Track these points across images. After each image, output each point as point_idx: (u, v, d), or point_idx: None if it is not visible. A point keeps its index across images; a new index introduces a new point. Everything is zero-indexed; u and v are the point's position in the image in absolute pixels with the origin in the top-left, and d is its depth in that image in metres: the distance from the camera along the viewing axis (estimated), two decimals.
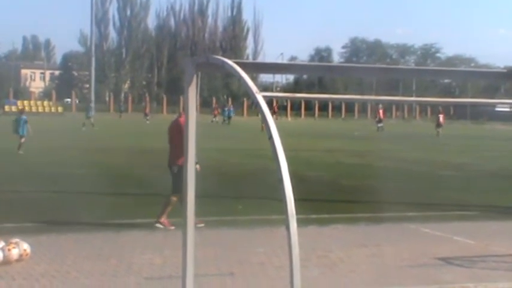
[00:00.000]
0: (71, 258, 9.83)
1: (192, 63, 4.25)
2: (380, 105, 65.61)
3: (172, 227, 12.23)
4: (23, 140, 27.14)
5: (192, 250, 4.46)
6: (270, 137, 3.50)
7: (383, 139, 46.95)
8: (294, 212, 3.36)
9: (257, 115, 78.80)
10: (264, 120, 3.53)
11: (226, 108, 72.46)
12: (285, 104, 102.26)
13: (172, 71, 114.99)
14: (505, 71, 4.60)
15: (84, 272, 9.10)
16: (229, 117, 69.43)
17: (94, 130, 48.27)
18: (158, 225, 12.38)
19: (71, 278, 8.84)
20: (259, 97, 3.56)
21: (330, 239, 11.93)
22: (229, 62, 3.83)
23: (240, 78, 3.72)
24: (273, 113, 60.16)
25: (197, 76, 4.45)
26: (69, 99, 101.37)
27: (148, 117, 67.78)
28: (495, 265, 10.29)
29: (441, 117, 55.08)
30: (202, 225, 12.13)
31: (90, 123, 52.01)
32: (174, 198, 12.40)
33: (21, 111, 30.02)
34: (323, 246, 11.08)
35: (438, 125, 54.62)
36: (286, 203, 3.33)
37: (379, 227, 13.22)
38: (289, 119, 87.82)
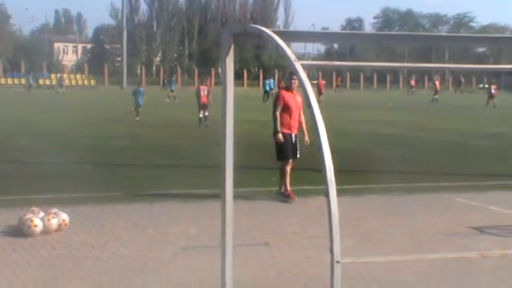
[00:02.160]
0: (108, 228, 9.97)
1: (229, 33, 4.26)
2: (435, 77, 65.95)
3: (295, 198, 12.43)
4: (140, 109, 32.41)
5: (231, 220, 4.51)
6: (309, 106, 3.52)
7: (417, 110, 46.65)
8: (334, 179, 3.38)
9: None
10: (303, 88, 3.54)
11: (267, 81, 61.80)
12: (316, 75, 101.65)
13: (203, 43, 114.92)
14: None
15: (122, 242, 9.23)
16: (270, 90, 58.19)
17: (176, 103, 49.40)
18: (280, 196, 12.58)
19: (109, 247, 8.97)
20: (298, 65, 3.57)
21: (364, 209, 11.94)
22: (267, 30, 3.84)
23: (278, 47, 3.73)
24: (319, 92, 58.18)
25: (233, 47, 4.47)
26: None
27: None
28: None
29: (493, 88, 54.84)
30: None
31: (173, 96, 53.66)
32: (284, 167, 12.63)
33: (139, 84, 36.14)
34: (357, 216, 11.11)
35: (491, 96, 54.45)
36: (325, 171, 3.35)
37: (413, 196, 13.21)
38: (323, 90, 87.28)
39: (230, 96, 4.41)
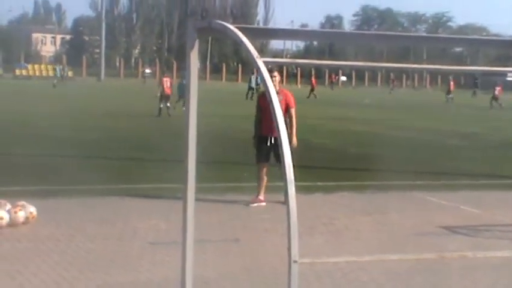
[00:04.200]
0: (76, 222, 9.86)
1: (193, 27, 4.21)
2: (450, 77, 65.78)
3: (263, 203, 11.73)
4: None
5: (192, 214, 4.45)
6: (270, 102, 3.50)
7: (394, 107, 46.72)
8: (293, 178, 3.35)
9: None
10: (265, 85, 3.52)
11: (252, 77, 50.76)
12: (295, 71, 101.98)
13: (183, 37, 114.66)
14: None
15: (89, 236, 9.13)
16: (255, 87, 49.51)
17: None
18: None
19: (76, 241, 8.87)
20: (260, 62, 3.54)
21: (336, 206, 11.92)
22: (231, 27, 3.80)
23: (241, 43, 3.70)
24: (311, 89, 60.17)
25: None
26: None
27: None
28: (500, 234, 10.28)
29: (497, 89, 53.11)
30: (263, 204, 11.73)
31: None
32: (259, 170, 11.98)
33: (183, 78, 35.05)
34: (328, 213, 11.09)
35: (494, 97, 53.21)
36: (284, 169, 3.31)
37: (385, 195, 13.19)
38: (299, 86, 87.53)
39: (194, 91, 4.36)
